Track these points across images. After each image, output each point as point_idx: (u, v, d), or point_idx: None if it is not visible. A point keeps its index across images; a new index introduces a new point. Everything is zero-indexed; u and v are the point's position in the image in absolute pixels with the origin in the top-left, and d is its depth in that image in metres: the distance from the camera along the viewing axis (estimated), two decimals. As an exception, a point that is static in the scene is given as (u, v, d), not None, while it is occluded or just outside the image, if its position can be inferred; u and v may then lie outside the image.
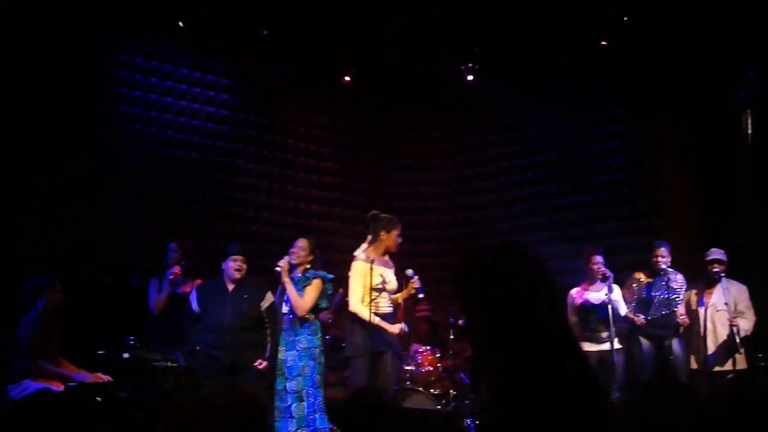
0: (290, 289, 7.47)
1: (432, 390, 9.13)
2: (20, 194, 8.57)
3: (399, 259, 8.25)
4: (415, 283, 7.74)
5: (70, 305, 8.17)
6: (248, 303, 7.59)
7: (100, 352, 7.50)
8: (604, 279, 8.40)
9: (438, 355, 9.38)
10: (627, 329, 8.77)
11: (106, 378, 7.38)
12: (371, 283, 7.66)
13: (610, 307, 8.27)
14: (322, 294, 7.53)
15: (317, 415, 7.30)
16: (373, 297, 7.66)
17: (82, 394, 6.97)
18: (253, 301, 7.65)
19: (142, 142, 9.74)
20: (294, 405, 7.28)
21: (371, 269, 7.66)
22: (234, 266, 7.67)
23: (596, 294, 8.56)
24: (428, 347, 9.43)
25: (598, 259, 8.58)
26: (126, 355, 7.37)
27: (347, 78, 11.26)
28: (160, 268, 8.08)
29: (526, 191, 11.23)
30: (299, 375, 7.35)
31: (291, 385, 7.36)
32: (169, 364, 7.49)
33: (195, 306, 7.71)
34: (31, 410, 2.92)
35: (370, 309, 7.62)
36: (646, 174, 10.26)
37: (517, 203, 11.30)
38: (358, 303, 7.69)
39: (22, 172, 8.59)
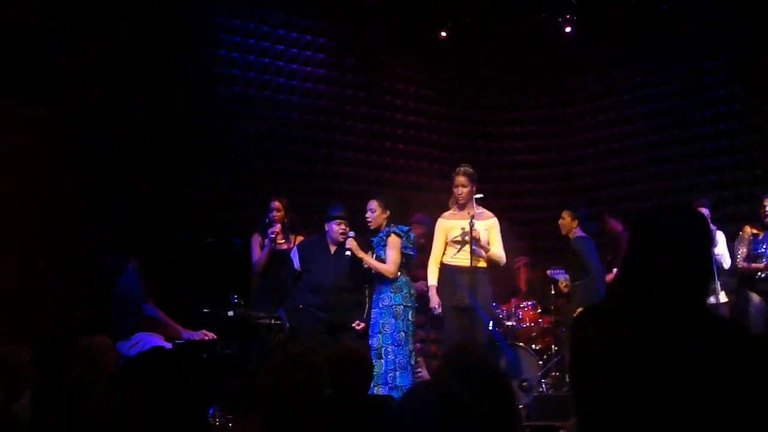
0: (371, 263, 7.49)
1: (533, 345, 9.12)
2: (125, 159, 8.79)
3: (501, 213, 8.35)
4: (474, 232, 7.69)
5: (176, 266, 8.42)
6: (349, 263, 7.57)
7: (205, 310, 7.61)
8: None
9: (539, 310, 9.36)
10: (735, 283, 8.58)
11: (212, 335, 7.56)
12: (446, 238, 7.79)
13: (713, 260, 8.10)
14: (402, 248, 7.54)
15: (397, 373, 7.24)
16: (457, 250, 7.71)
17: (191, 351, 7.17)
18: (354, 262, 7.60)
19: (242, 103, 9.82)
20: (374, 362, 7.28)
21: (447, 224, 7.80)
22: (338, 230, 7.60)
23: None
24: (529, 302, 9.41)
25: (704, 211, 8.39)
26: (230, 313, 7.44)
27: (443, 34, 11.17)
28: (262, 227, 8.15)
29: (626, 143, 10.98)
30: (379, 332, 7.37)
31: (372, 341, 7.40)
32: (272, 321, 7.54)
33: (296, 263, 7.73)
34: (144, 366, 3.00)
35: (441, 265, 7.75)
36: (752, 123, 9.93)
37: (615, 156, 11.06)
38: (430, 260, 7.83)
39: (125, 137, 8.79)
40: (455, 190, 7.83)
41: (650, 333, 2.38)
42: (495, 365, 5.31)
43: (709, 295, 8.09)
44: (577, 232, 8.81)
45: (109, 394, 3.92)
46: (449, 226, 7.83)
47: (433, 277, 7.83)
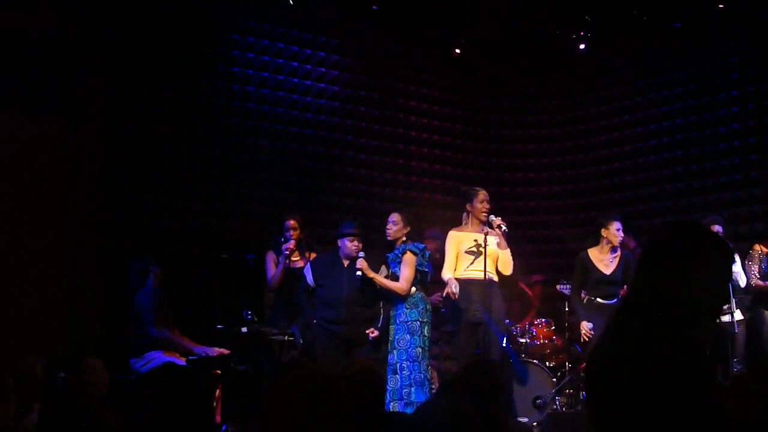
0: (382, 282, 7.47)
1: (547, 363, 9.07)
2: (141, 173, 8.82)
3: (514, 231, 8.26)
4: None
5: (190, 282, 8.42)
6: (361, 278, 7.51)
7: (219, 326, 7.60)
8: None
9: (553, 327, 9.31)
10: (749, 301, 8.52)
11: (225, 351, 7.55)
12: (457, 250, 7.75)
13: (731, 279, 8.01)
14: (418, 265, 7.50)
15: (412, 389, 7.20)
16: (470, 262, 7.69)
17: (204, 367, 7.16)
18: (365, 279, 7.54)
19: (256, 119, 9.82)
20: (389, 377, 7.26)
21: (458, 236, 7.80)
22: (351, 247, 7.58)
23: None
24: (543, 319, 9.37)
25: (717, 229, 8.32)
26: (244, 330, 7.42)
27: (457, 50, 11.17)
28: (277, 244, 8.13)
29: (638, 161, 10.91)
30: (395, 348, 7.35)
31: (389, 357, 7.38)
32: (286, 338, 7.55)
33: (310, 280, 7.68)
34: (158, 383, 2.98)
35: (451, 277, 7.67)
36: (767, 140, 9.89)
37: (630, 174, 11.00)
38: (444, 271, 7.75)
39: (141, 150, 8.83)
40: (480, 205, 7.83)
41: (664, 361, 2.34)
42: (505, 388, 5.28)
43: (723, 314, 8.10)
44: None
45: (101, 414, 3.92)
46: (461, 238, 7.80)
47: (451, 274, 7.70)
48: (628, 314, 2.52)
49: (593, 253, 8.04)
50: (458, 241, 7.82)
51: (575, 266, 8.19)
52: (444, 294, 7.64)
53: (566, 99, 11.81)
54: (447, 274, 7.71)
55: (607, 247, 7.99)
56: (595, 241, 8.07)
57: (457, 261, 7.78)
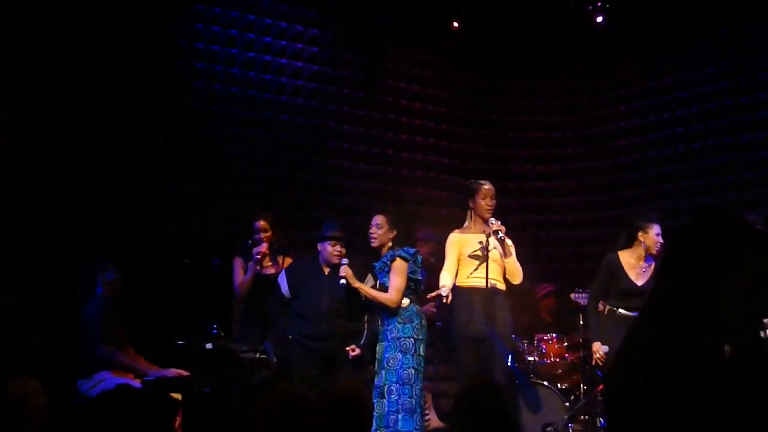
0: (369, 292, 7.44)
1: (559, 384, 9.07)
2: (84, 166, 8.78)
3: (520, 232, 8.25)
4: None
5: (145, 291, 8.38)
6: (345, 287, 7.48)
7: (180, 342, 7.59)
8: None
9: (565, 343, 9.31)
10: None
11: (184, 373, 7.54)
12: (459, 254, 7.81)
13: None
14: (410, 273, 7.51)
15: (399, 416, 7.13)
16: (474, 268, 7.72)
17: (163, 390, 7.13)
18: (350, 289, 7.50)
19: (223, 103, 9.83)
20: (375, 401, 7.18)
21: (461, 238, 7.83)
22: (333, 252, 7.59)
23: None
24: (553, 334, 9.35)
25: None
26: (209, 346, 7.42)
27: (455, 24, 11.18)
28: (246, 247, 8.12)
29: (665, 151, 10.91)
30: (384, 368, 7.28)
31: (376, 379, 7.35)
32: (257, 355, 7.52)
33: (285, 289, 7.68)
34: (110, 407, 2.98)
35: (454, 287, 7.72)
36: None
37: (654, 166, 11.00)
38: (442, 275, 7.77)
39: (85, 140, 8.78)
40: (483, 202, 7.85)
41: (695, 375, 2.31)
42: (511, 414, 5.28)
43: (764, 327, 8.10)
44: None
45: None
46: (464, 240, 7.84)
47: (449, 280, 7.76)
48: (649, 326, 2.49)
49: (625, 258, 7.89)
50: (460, 244, 7.85)
51: (600, 270, 8.01)
52: (433, 294, 7.65)
53: (581, 80, 11.86)
54: (445, 279, 7.75)
55: (642, 254, 7.83)
56: (628, 243, 7.96)
57: (459, 266, 7.79)
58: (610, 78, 11.63)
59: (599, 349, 7.77)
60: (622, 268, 7.83)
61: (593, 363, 7.92)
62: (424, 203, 10.71)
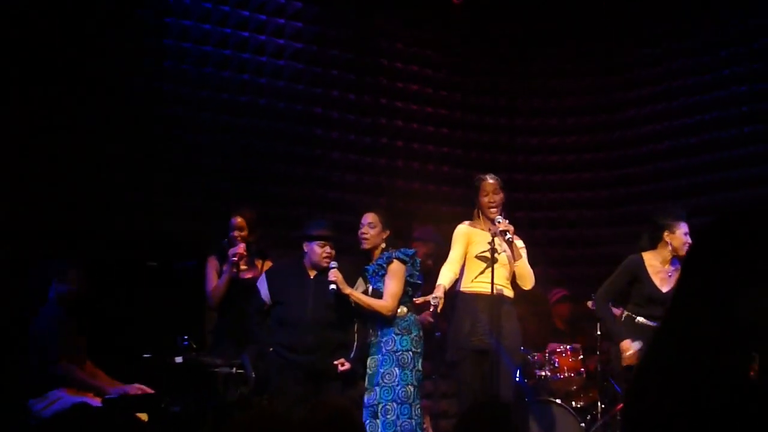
0: (361, 299, 7.41)
1: (573, 402, 9.06)
2: (41, 159, 8.72)
3: (530, 231, 8.20)
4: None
5: (106, 297, 8.34)
6: (335, 293, 7.45)
7: (146, 355, 7.57)
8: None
9: (581, 356, 9.28)
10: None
11: (148, 390, 7.49)
12: (466, 247, 7.74)
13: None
14: (408, 277, 7.47)
15: None
16: (480, 271, 7.67)
17: (126, 409, 7.10)
18: (339, 295, 7.47)
19: (195, 86, 9.76)
20: (367, 422, 7.19)
21: (470, 232, 7.77)
22: (321, 253, 7.53)
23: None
24: (567, 346, 9.33)
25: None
26: (179, 359, 7.41)
27: (457, -3, 11.17)
28: (221, 248, 8.08)
29: (691, 140, 10.83)
30: (379, 384, 7.28)
31: (368, 397, 7.33)
32: (233, 370, 7.52)
33: (265, 295, 7.66)
34: (66, 429, 2.95)
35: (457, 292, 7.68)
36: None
37: (683, 156, 10.89)
38: (443, 271, 7.67)
39: (40, 130, 8.73)
40: (485, 199, 7.79)
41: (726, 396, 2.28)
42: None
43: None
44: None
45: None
46: (474, 236, 7.75)
47: (447, 279, 7.65)
48: (670, 340, 2.42)
49: (649, 260, 7.85)
50: (469, 239, 7.76)
51: (619, 270, 7.96)
52: (420, 299, 7.58)
53: (600, 58, 11.81)
54: (444, 275, 7.63)
55: (668, 256, 7.81)
56: (652, 243, 7.91)
57: (464, 267, 7.72)
58: (632, 57, 11.59)
59: (630, 346, 7.64)
60: (647, 271, 7.79)
61: (624, 365, 7.73)
62: (422, 199, 10.68)
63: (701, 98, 10.83)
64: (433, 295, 7.37)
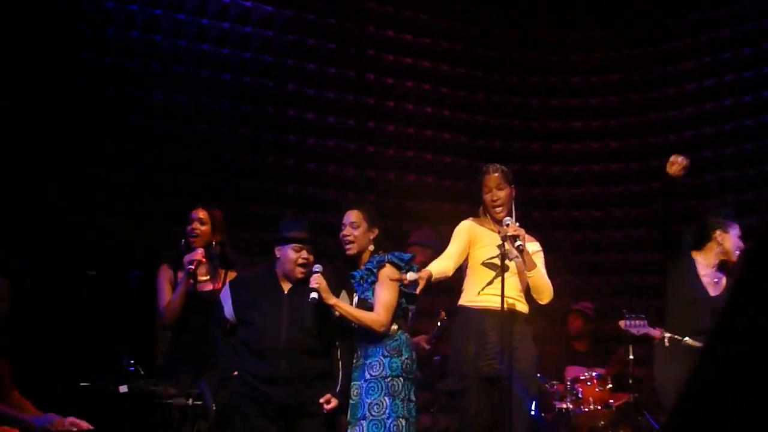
0: (349, 312, 7.20)
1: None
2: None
3: (551, 233, 8.15)
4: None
5: (35, 312, 8.28)
6: (313, 310, 7.31)
7: (83, 384, 7.51)
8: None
9: (609, 385, 9.24)
10: None
11: (85, 426, 7.39)
12: (468, 245, 7.61)
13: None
14: (402, 287, 7.31)
15: None
16: (488, 282, 7.54)
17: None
18: (321, 309, 7.29)
19: (145, 58, 9.86)
20: None
21: (476, 230, 7.62)
22: (297, 259, 7.38)
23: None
24: (593, 373, 9.31)
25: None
26: (123, 388, 7.35)
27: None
28: (175, 254, 7.97)
29: (743, 124, 10.89)
30: (365, 418, 7.10)
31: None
32: (189, 401, 7.45)
33: (229, 311, 7.51)
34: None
35: (459, 307, 7.61)
36: None
37: (729, 143, 10.97)
38: (435, 261, 7.53)
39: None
40: (487, 196, 7.69)
41: None
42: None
43: None
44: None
45: None
46: (479, 235, 7.62)
47: (436, 267, 7.47)
48: (718, 364, 2.38)
49: (698, 260, 8.05)
50: (473, 238, 7.63)
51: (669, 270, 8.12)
52: (396, 277, 7.42)
53: (629, 29, 11.79)
54: (437, 264, 7.45)
55: (715, 260, 7.94)
56: (698, 245, 8.02)
57: (467, 276, 7.63)
58: (669, 26, 11.66)
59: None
60: (695, 270, 7.95)
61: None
62: (418, 195, 10.63)
63: (756, 73, 11.02)
64: (413, 273, 7.16)
